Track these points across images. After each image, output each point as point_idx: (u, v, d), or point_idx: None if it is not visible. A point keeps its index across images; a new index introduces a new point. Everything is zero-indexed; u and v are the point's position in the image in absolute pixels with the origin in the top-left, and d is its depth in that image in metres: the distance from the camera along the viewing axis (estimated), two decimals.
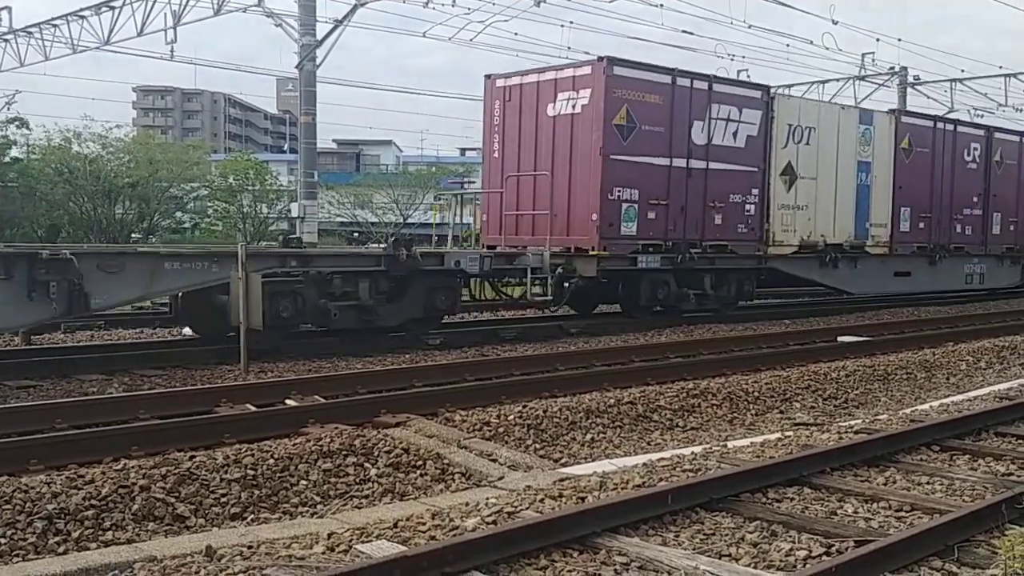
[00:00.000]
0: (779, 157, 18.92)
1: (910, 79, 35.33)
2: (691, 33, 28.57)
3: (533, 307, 17.98)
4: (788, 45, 31.31)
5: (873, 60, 33.10)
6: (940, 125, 23.19)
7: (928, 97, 34.69)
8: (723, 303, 18.55)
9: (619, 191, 16.44)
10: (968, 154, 23.65)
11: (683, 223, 17.35)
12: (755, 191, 18.53)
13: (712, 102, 17.60)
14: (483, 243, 18.13)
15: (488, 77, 18.08)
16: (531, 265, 15.62)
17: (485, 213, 18.35)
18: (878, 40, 51.19)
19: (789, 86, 32.89)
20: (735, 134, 18.09)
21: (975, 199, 23.94)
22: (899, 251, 21.88)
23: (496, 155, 17.81)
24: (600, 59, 16.36)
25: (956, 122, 24.42)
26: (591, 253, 16.24)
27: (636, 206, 16.68)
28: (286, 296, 12.52)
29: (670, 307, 17.79)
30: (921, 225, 22.46)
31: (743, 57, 45.85)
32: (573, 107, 16.58)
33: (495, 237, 17.69)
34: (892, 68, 34.49)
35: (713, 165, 17.71)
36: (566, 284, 16.45)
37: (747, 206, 18.45)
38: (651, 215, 16.91)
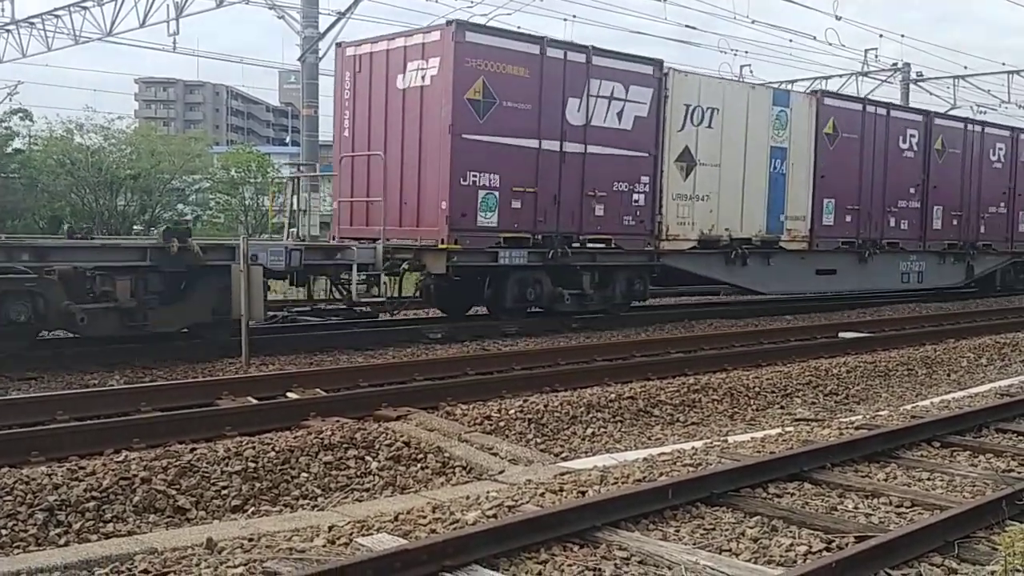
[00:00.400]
0: (674, 141, 16.79)
1: (913, 75, 35.29)
2: (694, 28, 28.49)
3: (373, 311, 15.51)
4: (791, 41, 31.29)
5: (876, 56, 33.17)
6: (871, 109, 21.03)
7: (931, 94, 34.69)
8: (608, 304, 16.59)
9: (474, 176, 14.32)
10: (904, 141, 21.49)
11: (556, 214, 15.32)
12: (645, 179, 16.42)
13: (591, 77, 15.50)
14: (334, 234, 16.24)
15: (339, 45, 16.23)
16: (357, 261, 13.37)
17: (336, 200, 16.39)
18: (881, 36, 51.15)
19: (792, 81, 32.87)
20: (620, 114, 15.96)
21: (912, 191, 21.82)
22: (821, 247, 19.71)
23: (346, 133, 15.76)
24: (449, 23, 14.28)
25: (889, 105, 22.57)
26: (440, 247, 14.19)
27: (497, 194, 14.57)
28: (18, 297, 10.55)
29: (546, 309, 15.95)
30: (848, 219, 20.25)
31: (746, 52, 45.89)
32: (423, 78, 14.48)
33: (345, 228, 15.81)
34: (895, 64, 34.48)
35: (593, 149, 15.64)
36: (428, 283, 14.99)
37: (635, 196, 16.33)
38: (516, 204, 14.86)
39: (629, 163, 16.22)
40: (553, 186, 15.27)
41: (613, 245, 16.25)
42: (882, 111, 21.28)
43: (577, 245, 15.70)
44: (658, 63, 16.60)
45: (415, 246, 14.36)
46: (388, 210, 14.36)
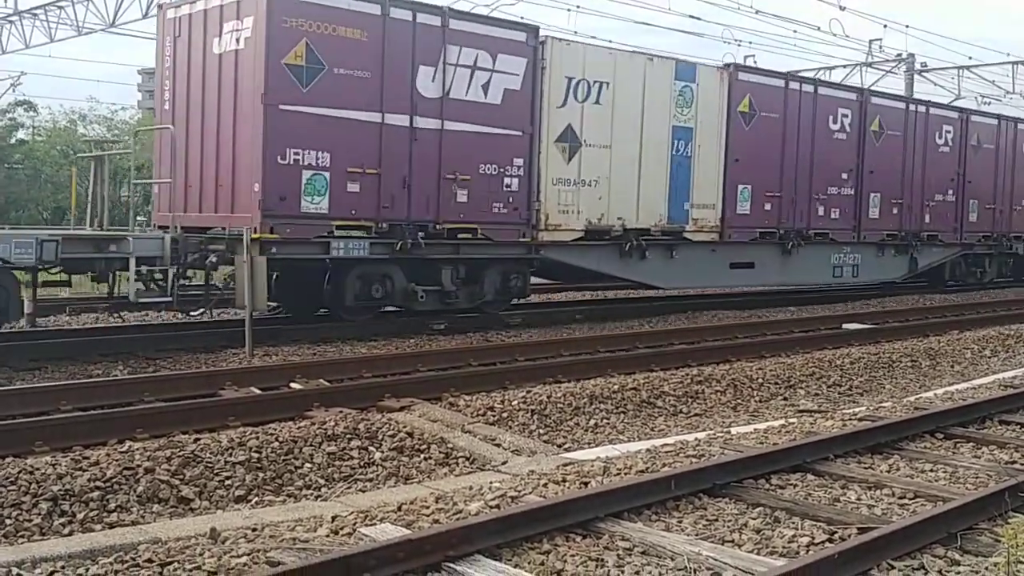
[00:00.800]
0: (554, 119, 14.70)
1: (917, 66, 35.16)
2: (698, 19, 28.34)
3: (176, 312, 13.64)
4: (795, 31, 31.17)
5: (880, 47, 32.96)
6: (794, 85, 18.69)
7: (935, 84, 34.55)
8: (478, 301, 14.54)
9: (297, 154, 12.26)
10: (835, 122, 19.30)
11: (407, 199, 13.21)
12: (519, 161, 14.32)
13: (449, 43, 13.45)
14: (155, 222, 14.20)
15: (160, 7, 14.24)
16: (136, 254, 11.41)
17: (156, 184, 14.35)
18: (885, 27, 50.95)
19: (796, 71, 32.78)
20: (486, 86, 13.88)
21: (844, 176, 19.62)
22: (734, 237, 17.54)
23: (167, 107, 13.75)
24: None
25: (817, 82, 20.18)
26: (253, 236, 12.08)
27: (327, 175, 12.50)
28: None
29: (401, 307, 14.06)
30: (767, 207, 18.04)
31: (750, 43, 45.81)
32: (237, 41, 12.55)
33: (163, 214, 13.63)
34: (900, 55, 34.33)
35: (452, 125, 13.57)
36: (274, 276, 13.16)
37: (507, 180, 14.22)
38: (353, 188, 12.75)
39: (498, 142, 14.14)
40: (402, 167, 13.18)
41: (480, 235, 14.17)
42: (808, 88, 19.10)
43: (432, 235, 13.59)
44: (533, 30, 14.64)
45: (226, 235, 12.47)
46: (204, 194, 12.96)
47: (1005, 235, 24.50)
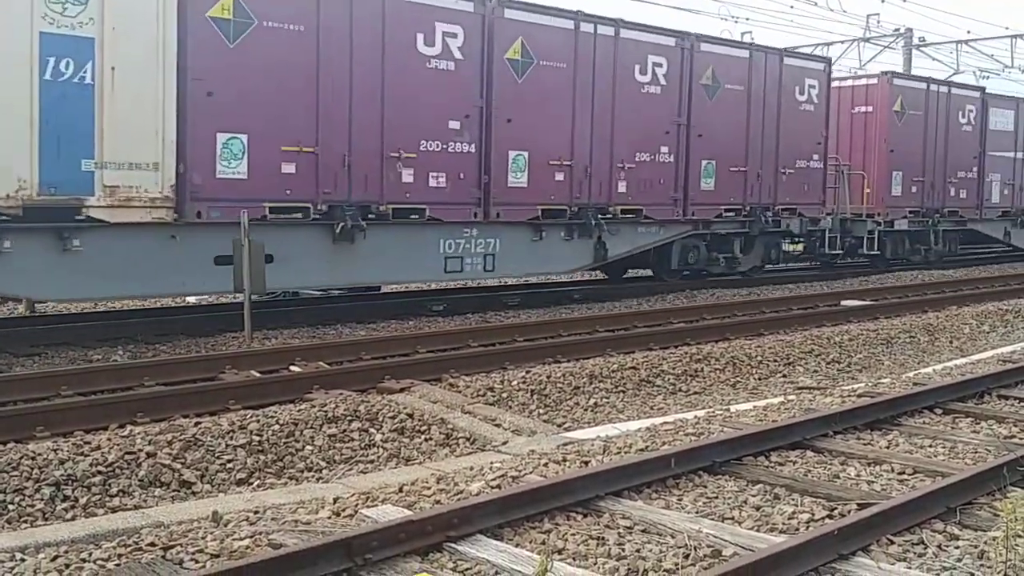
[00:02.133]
0: None
1: (915, 40, 35.02)
2: None
3: None
4: (792, 7, 30.87)
5: (878, 21, 32.84)
6: None
7: (933, 59, 34.44)
8: None
9: None
10: (435, 44, 12.75)
11: None
12: None
13: None
14: None
15: None
16: None
17: None
18: (883, 1, 50.68)
19: (794, 48, 32.64)
20: None
21: (456, 126, 13.13)
22: (213, 216, 10.97)
23: None
24: None
25: None
26: None
27: None
28: None
29: None
30: (289, 169, 11.55)
31: (747, 19, 45.60)
32: None
33: None
34: (897, 29, 34.19)
35: None
36: None
37: None
38: None
39: None
40: None
41: None
42: None
43: None
44: None
45: None
46: None
47: (767, 208, 17.92)
